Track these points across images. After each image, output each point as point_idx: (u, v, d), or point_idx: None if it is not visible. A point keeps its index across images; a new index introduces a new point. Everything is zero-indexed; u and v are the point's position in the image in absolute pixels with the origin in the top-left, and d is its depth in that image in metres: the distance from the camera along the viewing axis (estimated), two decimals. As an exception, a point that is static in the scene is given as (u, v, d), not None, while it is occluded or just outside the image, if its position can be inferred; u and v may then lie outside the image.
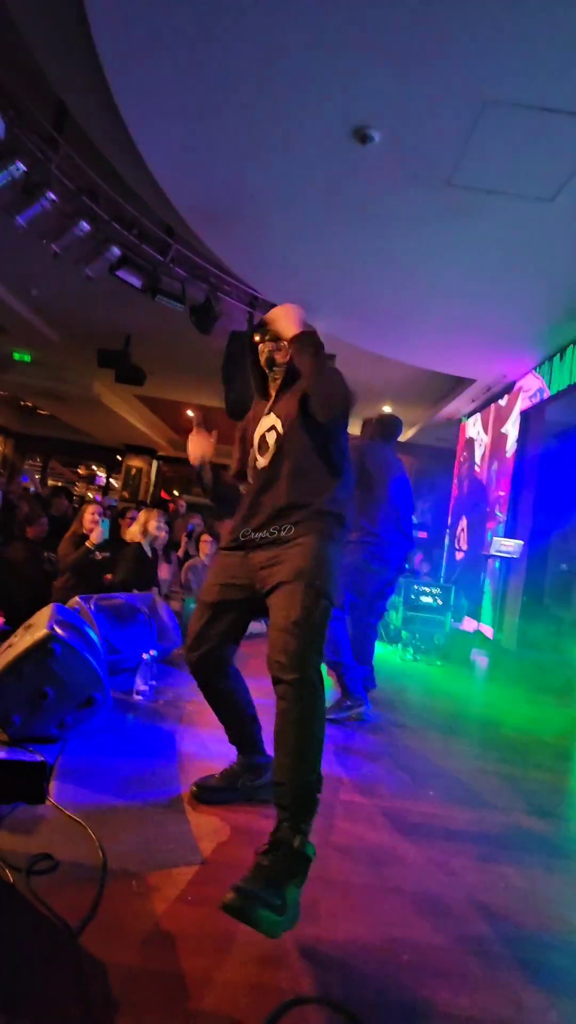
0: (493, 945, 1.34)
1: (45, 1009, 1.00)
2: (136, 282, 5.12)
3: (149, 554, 4.11)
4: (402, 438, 10.34)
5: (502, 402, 6.86)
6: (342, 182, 3.56)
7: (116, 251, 4.81)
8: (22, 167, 3.81)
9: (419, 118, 2.92)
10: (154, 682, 2.69)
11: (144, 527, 4.05)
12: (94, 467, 17.76)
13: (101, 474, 17.60)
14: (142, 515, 4.19)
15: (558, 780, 2.61)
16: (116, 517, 6.46)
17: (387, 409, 9.24)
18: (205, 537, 5.04)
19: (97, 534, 3.84)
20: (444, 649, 5.25)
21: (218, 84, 2.94)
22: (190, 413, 12.07)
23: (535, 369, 5.98)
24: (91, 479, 17.81)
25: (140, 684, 2.62)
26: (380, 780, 2.19)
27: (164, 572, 4.84)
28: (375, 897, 1.45)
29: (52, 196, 4.09)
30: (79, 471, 17.59)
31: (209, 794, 1.79)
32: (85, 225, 4.45)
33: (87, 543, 3.84)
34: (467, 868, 1.66)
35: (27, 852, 1.36)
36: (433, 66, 2.61)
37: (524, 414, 6.32)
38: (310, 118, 3.06)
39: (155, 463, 15.35)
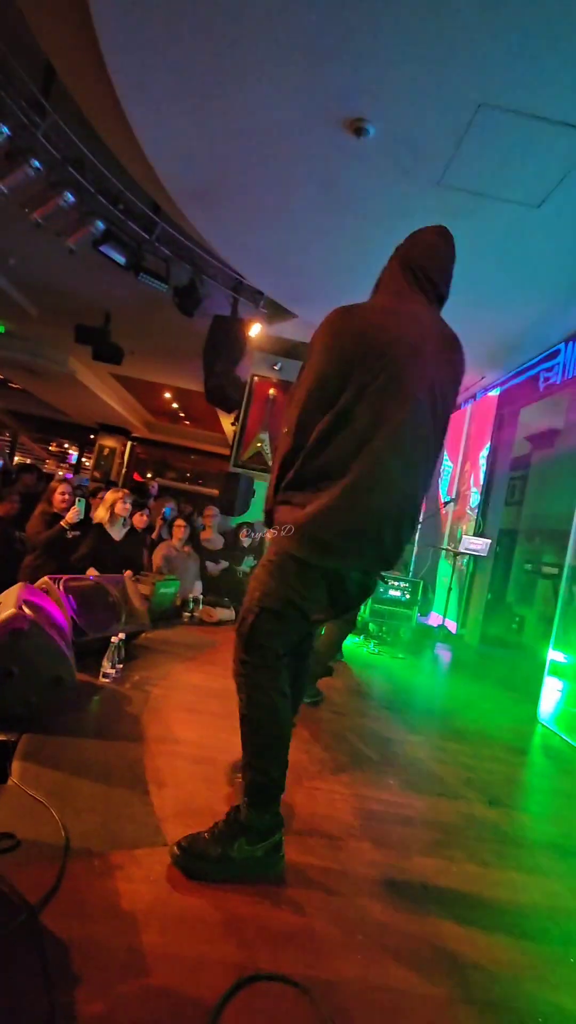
0: (443, 925, 1.40)
1: (5, 981, 1.01)
2: (120, 258, 5.02)
3: (117, 536, 4.07)
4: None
5: (479, 402, 6.98)
6: (334, 173, 3.54)
7: (100, 225, 4.71)
8: (6, 131, 3.68)
9: (415, 115, 2.92)
10: (121, 665, 2.69)
11: (110, 508, 4.01)
12: (66, 445, 17.42)
13: (73, 452, 17.28)
14: (108, 496, 4.15)
15: (512, 771, 2.71)
16: (88, 497, 6.37)
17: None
18: (179, 522, 5.01)
19: (74, 513, 3.78)
20: (409, 643, 5.36)
21: (215, 61, 2.88)
22: (167, 395, 11.94)
23: (515, 372, 6.09)
24: (62, 457, 17.47)
25: (107, 667, 2.61)
26: (342, 768, 2.24)
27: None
28: (332, 880, 1.50)
29: (36, 164, 3.97)
30: (50, 448, 17.22)
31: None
32: (70, 196, 4.34)
33: (63, 522, 3.78)
34: (422, 853, 1.73)
35: (-11, 830, 1.36)
36: (432, 65, 2.61)
37: (499, 415, 6.45)
38: (306, 107, 3.04)
39: (129, 444, 15.13)
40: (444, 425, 1.56)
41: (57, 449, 17.47)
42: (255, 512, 6.70)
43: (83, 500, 3.79)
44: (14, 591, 2.25)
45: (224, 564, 5.35)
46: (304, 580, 1.42)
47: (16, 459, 13.86)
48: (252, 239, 4.65)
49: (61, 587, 2.79)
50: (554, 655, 3.66)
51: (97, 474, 13.97)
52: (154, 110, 3.39)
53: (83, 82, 3.53)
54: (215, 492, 9.58)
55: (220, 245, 4.89)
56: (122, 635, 2.73)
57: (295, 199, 3.92)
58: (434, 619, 6.60)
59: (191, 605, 4.43)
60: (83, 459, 16.47)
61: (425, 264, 1.61)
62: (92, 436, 15.14)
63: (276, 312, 6.06)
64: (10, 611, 2.03)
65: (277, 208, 4.07)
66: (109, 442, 14.65)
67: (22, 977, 1.02)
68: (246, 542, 5.71)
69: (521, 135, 2.89)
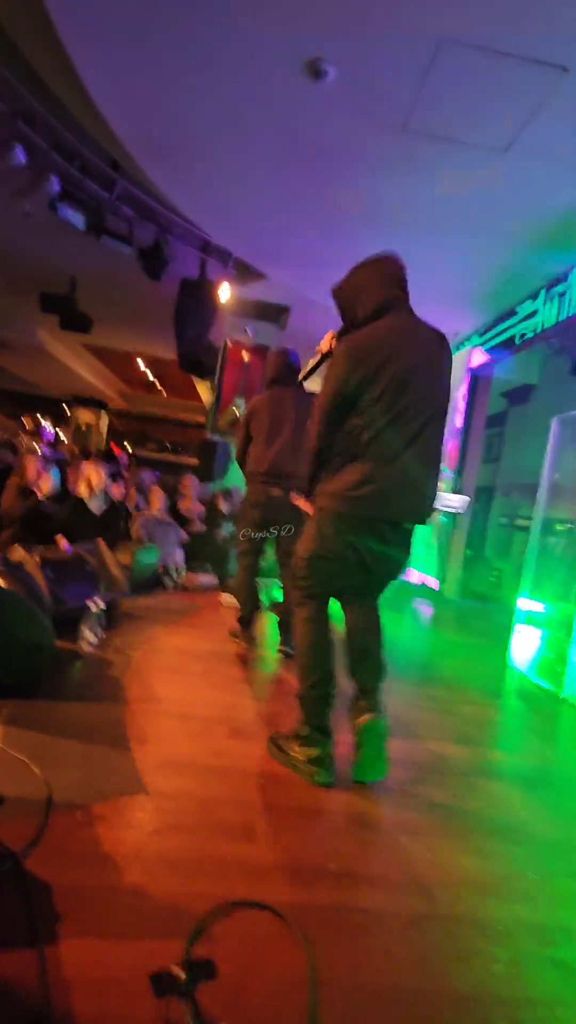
0: (412, 852, 1.49)
1: (-10, 924, 1.06)
2: (78, 221, 4.84)
3: (96, 510, 4.05)
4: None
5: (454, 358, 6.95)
6: (295, 121, 3.43)
7: (56, 184, 4.51)
8: (-53, 83, 3.48)
9: (374, 53, 2.82)
10: (102, 632, 2.72)
11: (88, 482, 3.98)
12: (41, 419, 17.06)
13: (48, 426, 16.94)
14: (84, 469, 4.11)
15: (483, 712, 2.83)
16: (62, 468, 6.28)
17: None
18: (155, 489, 4.99)
19: (48, 484, 3.75)
20: (389, 600, 5.47)
21: (164, 2, 2.74)
22: (141, 364, 11.70)
23: (488, 326, 6.06)
24: (37, 431, 17.12)
25: (88, 634, 2.64)
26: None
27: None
28: (307, 818, 1.57)
29: (-18, 119, 3.77)
30: (25, 423, 16.86)
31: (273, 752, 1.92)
32: (21, 153, 4.14)
33: (38, 494, 3.75)
34: (394, 790, 1.81)
35: (-29, 789, 1.39)
36: (388, -2, 2.51)
37: (473, 372, 6.45)
38: (262, 48, 2.91)
39: (106, 416, 14.88)
40: (444, 409, 1.85)
41: (32, 424, 17.10)
42: (234, 479, 6.69)
43: (55, 471, 3.75)
44: (-13, 562, 2.25)
45: (202, 527, 5.35)
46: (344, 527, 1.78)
47: (-10, 436, 13.55)
48: (214, 194, 4.51)
49: (37, 557, 2.79)
50: (526, 604, 3.77)
51: (75, 448, 13.75)
52: (104, 60, 3.23)
53: (29, 32, 3.33)
54: (196, 462, 9.52)
55: (182, 202, 4.74)
56: (100, 602, 2.75)
57: (256, 150, 3.79)
58: (415, 576, 6.73)
59: (173, 572, 4.46)
60: (58, 432, 16.17)
61: (389, 288, 1.85)
62: (68, 410, 14.85)
63: (246, 273, 5.92)
64: (-17, 582, 2.03)
65: (238, 160, 3.94)
66: (85, 415, 14.41)
67: (8, 919, 1.07)
68: (225, 507, 5.71)
69: (485, 74, 2.81)
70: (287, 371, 3.13)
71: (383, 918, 1.24)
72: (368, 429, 1.73)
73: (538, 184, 3.58)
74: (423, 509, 1.84)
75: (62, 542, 3.48)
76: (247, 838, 1.43)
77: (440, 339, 1.86)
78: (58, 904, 1.12)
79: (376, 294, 1.81)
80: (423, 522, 1.87)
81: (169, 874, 1.26)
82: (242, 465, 3.22)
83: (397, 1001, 1.04)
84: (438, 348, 1.85)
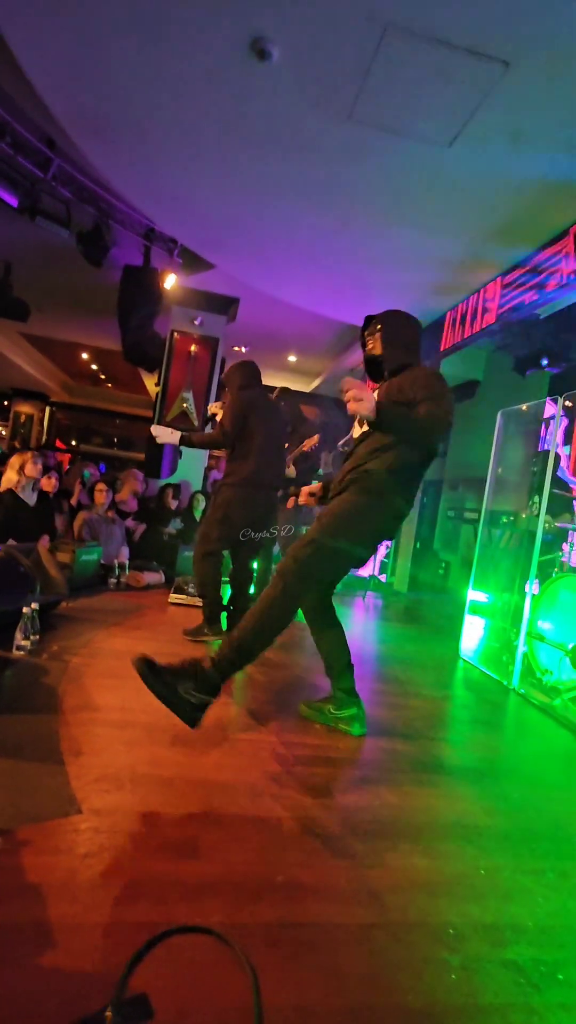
0: (364, 857, 1.44)
1: None
2: (11, 199, 4.56)
3: (30, 501, 3.83)
4: (307, 388, 10.37)
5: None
6: (239, 103, 3.31)
7: (-16, 160, 4.23)
8: None
9: (318, 35, 2.74)
10: (37, 636, 2.55)
11: (19, 471, 3.76)
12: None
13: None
14: (15, 458, 3.88)
15: (432, 706, 2.84)
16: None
17: (292, 359, 9.17)
18: (100, 486, 4.79)
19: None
20: (340, 593, 5.47)
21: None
22: (84, 356, 11.28)
23: (434, 321, 6.13)
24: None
25: (20, 639, 2.47)
26: (268, 716, 2.25)
27: (59, 523, 4.57)
28: (253, 827, 1.50)
29: None
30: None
31: (307, 710, 2.30)
32: (-58, 125, 3.84)
33: (-38, 493, 3.51)
34: (345, 791, 1.77)
35: None
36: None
37: (421, 368, 6.51)
38: (204, 20, 2.78)
39: (48, 409, 14.27)
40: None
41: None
42: (182, 474, 6.52)
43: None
44: None
45: (142, 526, 5.19)
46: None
47: None
48: (156, 178, 4.33)
49: (-37, 559, 2.59)
50: (474, 595, 3.83)
51: (16, 443, 13.13)
52: (34, 28, 3.01)
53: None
54: (142, 456, 9.25)
55: (123, 184, 4.54)
56: (35, 605, 2.58)
57: (200, 131, 3.65)
58: (363, 569, 6.77)
59: (117, 571, 4.28)
60: (-2, 427, 15.42)
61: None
62: (6, 403, 14.14)
63: (192, 262, 5.75)
64: None
65: (181, 141, 3.78)
66: (25, 408, 13.74)
67: None
68: (173, 504, 5.56)
69: (429, 63, 2.78)
70: (257, 379, 3.40)
71: (331, 931, 1.18)
72: None
73: (485, 178, 3.61)
74: None
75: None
76: (188, 854, 1.34)
77: None
78: (-30, 947, 1.00)
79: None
80: None
81: (102, 902, 1.16)
82: (232, 447, 3.21)
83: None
84: None
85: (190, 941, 1.10)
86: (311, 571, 2.00)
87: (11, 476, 3.75)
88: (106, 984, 0.97)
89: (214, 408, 3.41)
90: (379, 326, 2.30)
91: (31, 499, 3.85)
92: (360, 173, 3.75)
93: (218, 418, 3.28)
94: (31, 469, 3.78)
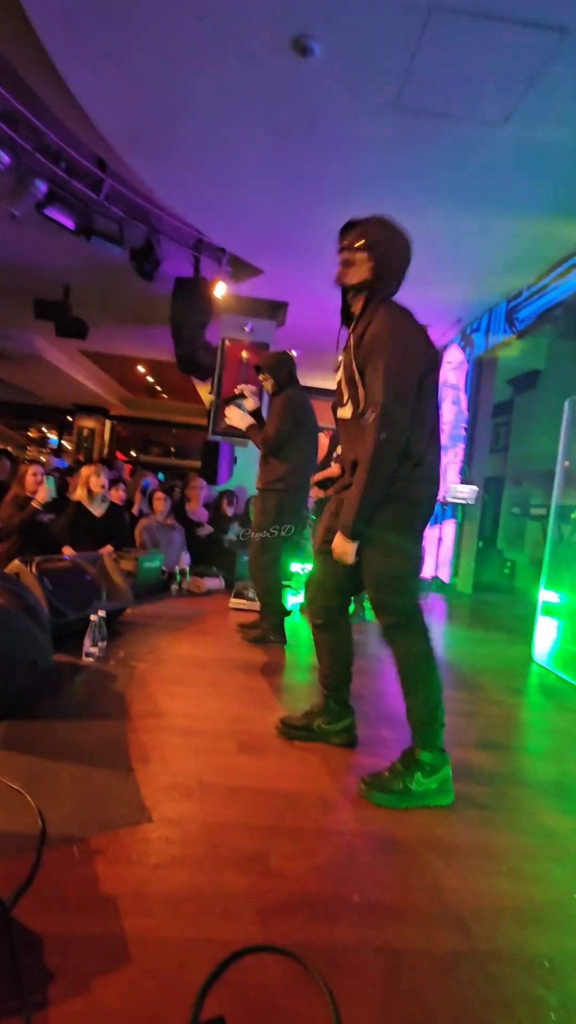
0: (443, 878, 1.36)
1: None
2: (68, 222, 4.74)
3: (97, 513, 3.95)
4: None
5: (460, 344, 6.80)
6: (281, 103, 3.29)
7: (42, 186, 4.42)
8: None
9: (362, 25, 2.68)
10: (104, 643, 2.61)
11: (86, 484, 3.89)
12: (44, 429, 17.04)
13: (53, 436, 16.92)
14: (83, 472, 4.02)
15: (507, 713, 2.68)
16: (64, 476, 6.22)
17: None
18: (158, 495, 4.88)
19: (43, 493, 3.66)
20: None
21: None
22: (141, 368, 11.61)
23: (491, 311, 5.90)
24: (42, 442, 17.10)
25: (89, 646, 2.53)
26: (336, 726, 2.18)
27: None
28: (326, 841, 1.44)
29: (-38, 121, 3.67)
30: (30, 434, 16.84)
31: (290, 731, 2.01)
32: (4, 156, 4.04)
33: (33, 503, 3.65)
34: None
35: (-43, 826, 1.28)
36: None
37: (478, 359, 6.29)
38: (245, 26, 2.78)
39: (108, 423, 14.80)
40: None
41: (37, 435, 17.09)
42: (238, 479, 6.57)
43: (51, 479, 3.65)
44: (-22, 577, 2.14)
45: (209, 529, 5.25)
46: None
47: (-7, 448, 13.53)
48: (203, 187, 4.38)
49: (34, 569, 2.68)
50: (546, 595, 3.62)
51: (80, 457, 13.70)
52: (82, 52, 3.11)
53: (6, 29, 3.22)
54: (199, 464, 9.41)
55: (171, 197, 4.63)
56: (103, 612, 2.64)
57: (244, 136, 3.66)
58: (426, 570, 6.58)
59: (178, 577, 4.34)
60: (63, 442, 16.15)
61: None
62: (70, 418, 14.79)
63: (241, 269, 5.80)
64: (-28, 598, 1.92)
65: (226, 149, 3.81)
66: (88, 423, 14.33)
67: (-8, 978, 0.95)
68: (230, 511, 5.60)
69: (479, 41, 2.66)
70: (295, 373, 3.32)
71: (414, 958, 1.11)
72: None
73: (543, 154, 3.42)
74: None
75: (68, 552, 3.39)
76: (259, 869, 1.31)
77: None
78: (49, 959, 1.00)
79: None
80: None
81: (174, 917, 1.14)
82: (277, 452, 3.16)
83: (435, 1062, 0.91)
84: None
85: (265, 962, 1.05)
86: (413, 589, 1.78)
87: (80, 491, 3.90)
88: (181, 1003, 0.94)
89: (244, 389, 3.26)
90: (365, 241, 1.66)
91: (98, 510, 3.97)
92: (411, 161, 3.65)
93: (247, 402, 3.21)
94: (95, 482, 3.90)
